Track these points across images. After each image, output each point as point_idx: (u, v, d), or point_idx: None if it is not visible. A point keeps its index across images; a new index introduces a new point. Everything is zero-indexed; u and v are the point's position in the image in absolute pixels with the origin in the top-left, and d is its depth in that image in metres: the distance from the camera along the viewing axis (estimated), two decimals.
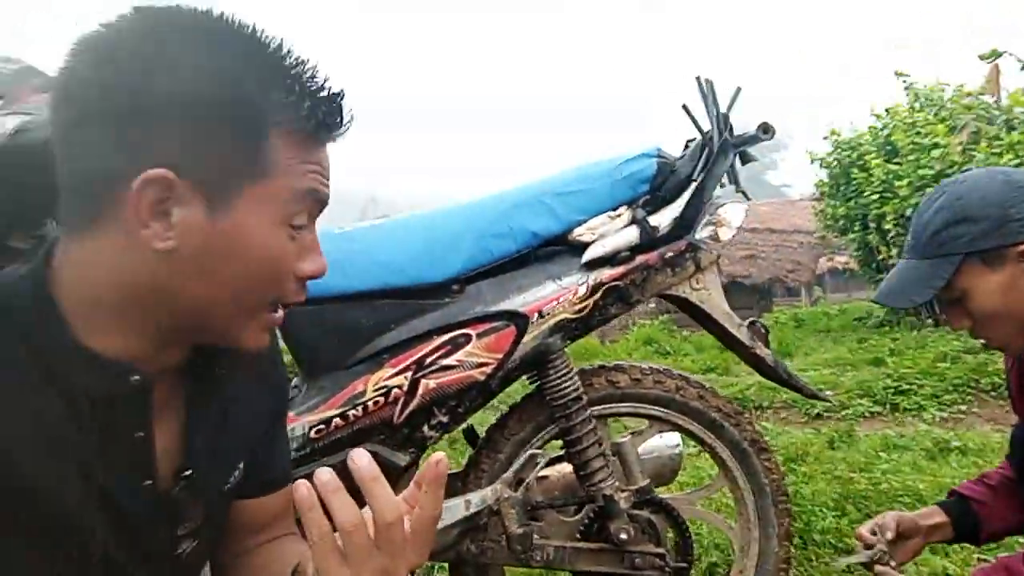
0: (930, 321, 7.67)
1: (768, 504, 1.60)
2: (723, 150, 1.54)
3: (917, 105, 8.07)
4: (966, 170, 1.33)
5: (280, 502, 0.96)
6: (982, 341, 1.31)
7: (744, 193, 1.61)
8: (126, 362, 0.70)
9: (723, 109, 1.54)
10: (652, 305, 18.59)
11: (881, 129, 8.35)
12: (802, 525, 2.35)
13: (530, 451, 1.50)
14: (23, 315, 0.67)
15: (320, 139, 0.72)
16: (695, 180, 1.56)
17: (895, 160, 7.64)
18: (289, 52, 0.70)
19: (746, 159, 1.60)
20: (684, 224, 1.55)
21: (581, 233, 1.53)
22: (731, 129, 1.57)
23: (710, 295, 1.59)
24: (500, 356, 1.45)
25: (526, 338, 1.47)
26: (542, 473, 1.77)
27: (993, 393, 4.65)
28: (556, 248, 1.55)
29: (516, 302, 1.48)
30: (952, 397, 4.69)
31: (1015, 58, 6.13)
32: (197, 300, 0.70)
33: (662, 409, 1.60)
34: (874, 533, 1.39)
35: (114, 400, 0.70)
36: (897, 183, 7.26)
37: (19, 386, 0.66)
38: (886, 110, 8.45)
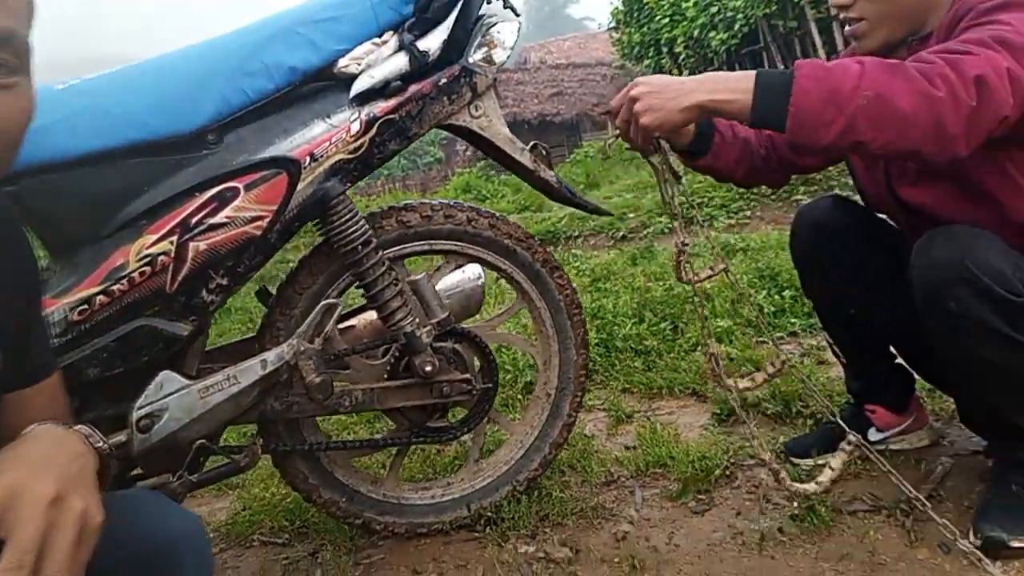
0: None
1: (564, 318, 1.67)
2: None
3: None
4: None
5: (46, 394, 0.89)
6: (847, 28, 1.38)
7: (513, 9, 1.55)
8: None
9: None
10: (469, 152, 18.58)
11: None
12: (605, 335, 2.52)
13: (325, 302, 1.46)
14: None
15: None
16: None
17: None
18: None
19: None
20: (455, 47, 1.48)
21: (346, 64, 1.42)
22: None
23: (490, 122, 1.56)
24: (274, 207, 1.36)
25: (301, 185, 1.38)
26: (349, 323, 1.74)
27: (772, 197, 5.14)
28: (321, 84, 1.43)
29: (284, 147, 1.37)
30: (739, 205, 5.13)
31: None
32: None
33: (456, 242, 1.60)
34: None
35: None
36: (685, 5, 7.46)
37: None
38: None
